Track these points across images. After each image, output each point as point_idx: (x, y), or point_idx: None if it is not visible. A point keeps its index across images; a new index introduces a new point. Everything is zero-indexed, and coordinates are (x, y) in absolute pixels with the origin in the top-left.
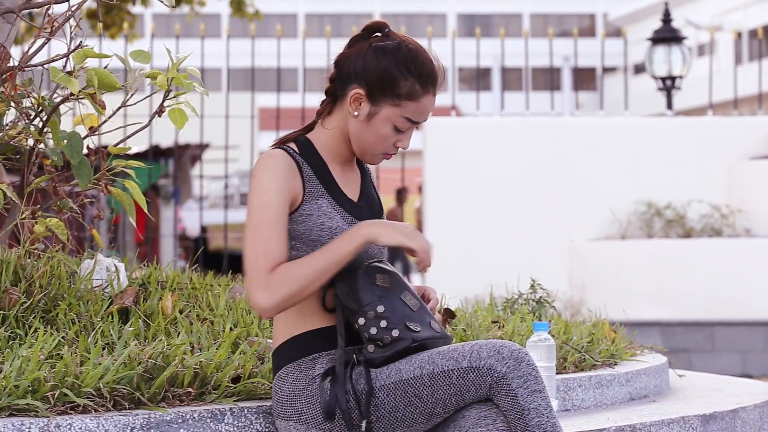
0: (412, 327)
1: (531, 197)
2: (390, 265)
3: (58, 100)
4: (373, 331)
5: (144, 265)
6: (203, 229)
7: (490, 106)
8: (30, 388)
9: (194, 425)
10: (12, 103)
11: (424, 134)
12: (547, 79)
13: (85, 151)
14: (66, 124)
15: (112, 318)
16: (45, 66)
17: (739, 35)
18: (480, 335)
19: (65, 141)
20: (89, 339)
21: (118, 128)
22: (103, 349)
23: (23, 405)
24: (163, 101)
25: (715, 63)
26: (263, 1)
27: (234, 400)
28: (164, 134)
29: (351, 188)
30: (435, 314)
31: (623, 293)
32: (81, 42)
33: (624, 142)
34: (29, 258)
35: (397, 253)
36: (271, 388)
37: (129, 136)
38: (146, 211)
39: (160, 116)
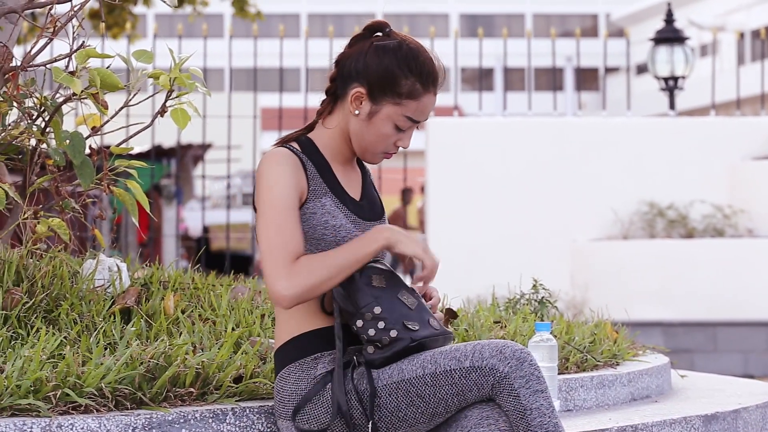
0: (410, 326)
1: (533, 197)
2: (386, 264)
3: (61, 100)
4: (372, 332)
5: (146, 265)
6: (205, 229)
7: (492, 106)
8: (32, 388)
9: (196, 425)
10: (14, 103)
11: (427, 134)
12: (550, 79)
13: (87, 151)
14: (68, 124)
15: (114, 318)
16: (47, 66)
17: (742, 35)
18: (482, 335)
19: (68, 141)
20: (91, 339)
21: (120, 128)
22: (105, 349)
23: (25, 405)
24: (166, 101)
25: (717, 63)
26: (265, 2)
27: (236, 400)
28: (166, 134)
29: (353, 187)
30: (436, 312)
31: (625, 293)
32: (83, 42)
33: (626, 143)
34: (31, 258)
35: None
36: (272, 388)
37: (131, 136)
38: (149, 211)
39: (162, 116)
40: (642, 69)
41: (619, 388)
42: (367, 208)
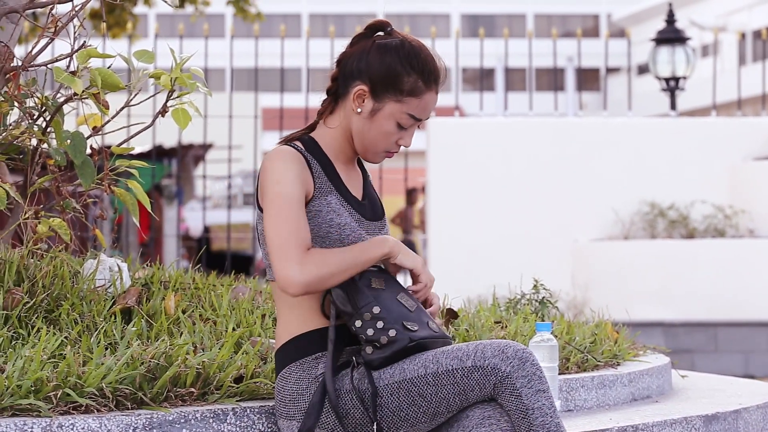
0: (409, 327)
1: (534, 197)
2: (384, 268)
3: (62, 99)
4: (370, 332)
5: (147, 265)
6: (206, 229)
7: (493, 106)
8: (33, 388)
9: (197, 425)
10: (15, 103)
11: (428, 134)
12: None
13: (88, 150)
14: (69, 124)
15: (115, 318)
16: (48, 66)
17: (743, 36)
18: (483, 335)
19: (68, 141)
20: (92, 339)
21: (121, 128)
22: (106, 349)
23: (26, 405)
24: (167, 101)
25: (719, 64)
26: (267, 2)
27: (236, 400)
28: (167, 134)
29: (355, 187)
30: (435, 318)
31: (626, 293)
32: (84, 42)
33: (627, 143)
34: (32, 258)
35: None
36: (273, 388)
37: (132, 136)
38: (150, 211)
39: (163, 116)
40: (643, 69)
41: (619, 389)
42: (369, 208)
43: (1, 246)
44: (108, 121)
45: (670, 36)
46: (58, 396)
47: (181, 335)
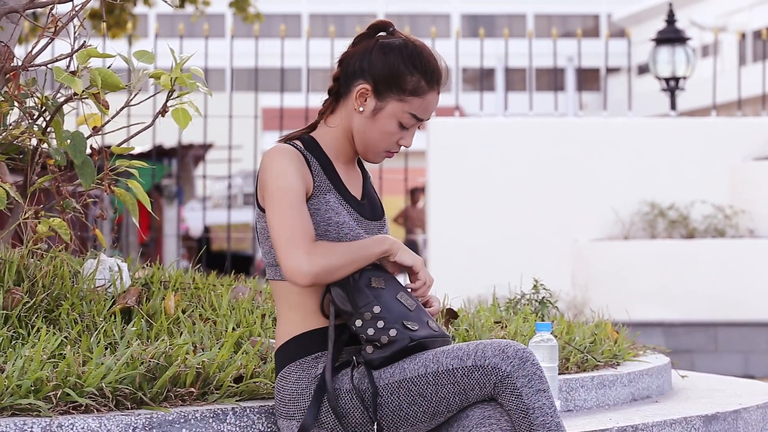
0: (409, 326)
1: (534, 197)
2: (384, 268)
3: (62, 99)
4: (371, 332)
5: (147, 265)
6: (206, 229)
7: (493, 106)
8: (32, 388)
9: (196, 425)
10: (15, 103)
11: (428, 134)
12: (551, 79)
13: (88, 150)
14: (69, 124)
15: (115, 318)
16: (48, 66)
17: (744, 36)
18: (483, 335)
19: (68, 141)
20: (92, 339)
21: (121, 128)
22: (106, 348)
23: (26, 405)
24: (167, 101)
25: (719, 64)
26: (267, 2)
27: (236, 400)
28: (167, 134)
29: (354, 187)
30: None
31: (626, 294)
32: (84, 42)
33: (627, 143)
34: (32, 258)
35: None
36: (273, 387)
37: (132, 136)
38: (150, 211)
39: (163, 116)
40: (643, 69)
41: (619, 389)
42: (368, 208)
43: (1, 246)
44: (108, 121)
45: (671, 36)
46: (58, 396)
47: (181, 335)
